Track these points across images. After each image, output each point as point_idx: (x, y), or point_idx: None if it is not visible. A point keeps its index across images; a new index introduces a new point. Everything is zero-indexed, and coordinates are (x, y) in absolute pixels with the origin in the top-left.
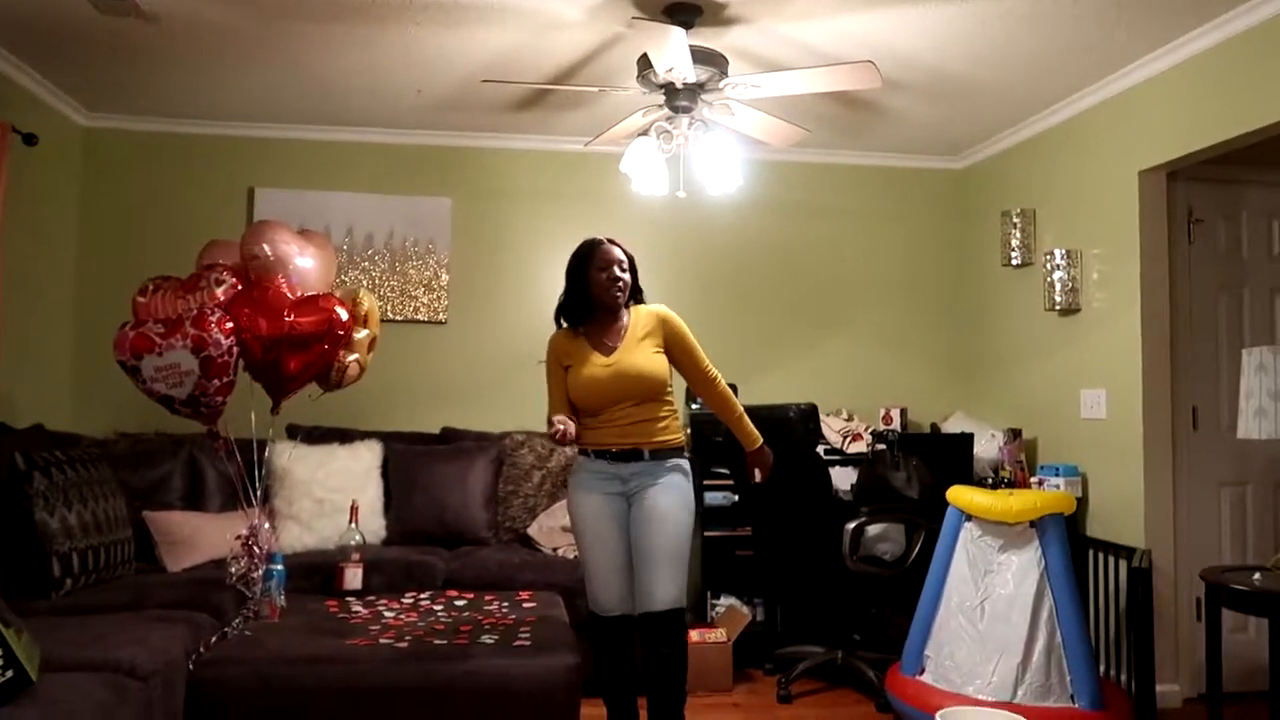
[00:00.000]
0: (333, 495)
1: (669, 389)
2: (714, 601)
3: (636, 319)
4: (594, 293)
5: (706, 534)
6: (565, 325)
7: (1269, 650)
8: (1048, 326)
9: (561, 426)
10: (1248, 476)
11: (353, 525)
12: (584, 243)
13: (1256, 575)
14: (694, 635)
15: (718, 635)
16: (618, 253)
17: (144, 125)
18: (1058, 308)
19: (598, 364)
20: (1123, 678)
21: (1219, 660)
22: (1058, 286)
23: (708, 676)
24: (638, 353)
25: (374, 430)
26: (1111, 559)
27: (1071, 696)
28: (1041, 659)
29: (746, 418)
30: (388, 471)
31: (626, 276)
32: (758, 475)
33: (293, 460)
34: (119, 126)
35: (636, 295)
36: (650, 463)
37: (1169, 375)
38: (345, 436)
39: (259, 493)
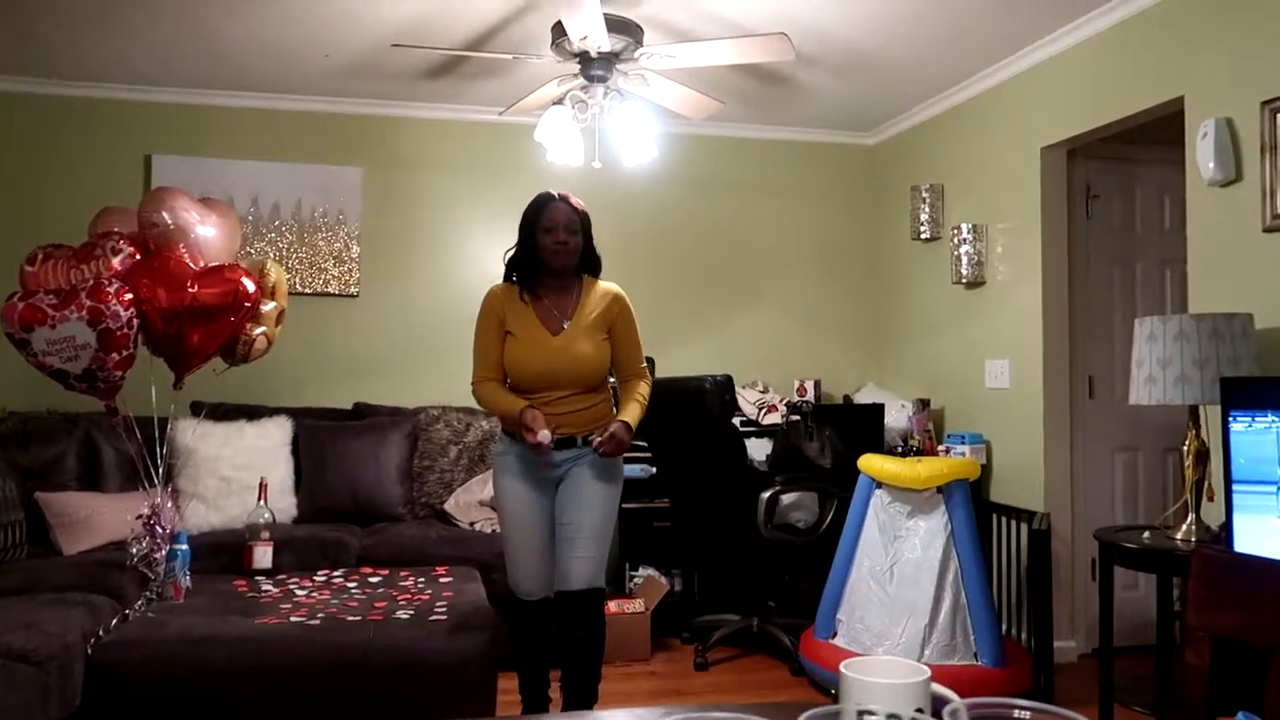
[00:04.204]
0: (240, 473)
1: (609, 376)
2: (632, 573)
3: (590, 295)
4: (540, 256)
5: (624, 506)
6: (515, 281)
7: (1156, 605)
8: (954, 299)
9: (545, 432)
10: (1139, 442)
11: (262, 503)
12: (535, 198)
13: (1146, 534)
14: (612, 606)
15: (636, 605)
16: (566, 212)
17: (26, 86)
18: (964, 280)
19: (543, 343)
20: (1023, 635)
21: (1111, 617)
22: (964, 260)
23: (626, 646)
24: (586, 340)
25: (283, 406)
26: (1013, 522)
27: (975, 654)
28: (947, 619)
29: (640, 410)
30: (298, 449)
31: (576, 239)
32: (599, 439)
33: (197, 438)
34: None
35: (591, 259)
36: (584, 448)
37: (1068, 345)
38: (253, 413)
39: (161, 471)
